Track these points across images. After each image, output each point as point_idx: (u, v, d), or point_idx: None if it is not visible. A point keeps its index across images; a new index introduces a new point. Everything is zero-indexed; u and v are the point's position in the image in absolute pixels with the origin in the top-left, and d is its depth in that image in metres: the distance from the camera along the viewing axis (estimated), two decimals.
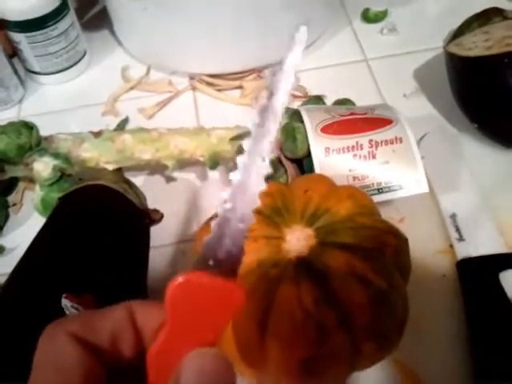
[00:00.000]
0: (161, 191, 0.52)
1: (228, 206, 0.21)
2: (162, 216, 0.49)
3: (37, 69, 0.62)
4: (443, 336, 0.41)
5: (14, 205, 0.53)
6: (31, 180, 0.53)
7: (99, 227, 0.41)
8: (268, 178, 0.22)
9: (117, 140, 0.47)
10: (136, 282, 0.40)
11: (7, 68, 0.59)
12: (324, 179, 0.38)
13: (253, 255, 0.34)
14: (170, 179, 0.53)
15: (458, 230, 0.46)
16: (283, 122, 0.47)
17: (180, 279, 0.20)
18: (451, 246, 0.45)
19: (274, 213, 0.36)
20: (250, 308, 0.32)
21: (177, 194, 0.52)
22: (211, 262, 0.21)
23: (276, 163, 0.45)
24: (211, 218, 0.38)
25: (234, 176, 0.21)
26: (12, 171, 0.49)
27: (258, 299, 0.32)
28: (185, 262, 0.47)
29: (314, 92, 0.59)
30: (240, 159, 0.22)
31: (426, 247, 0.45)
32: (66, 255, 0.38)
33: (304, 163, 0.44)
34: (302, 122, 0.44)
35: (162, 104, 0.60)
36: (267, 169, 0.22)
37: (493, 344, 0.39)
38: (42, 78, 0.63)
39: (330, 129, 0.43)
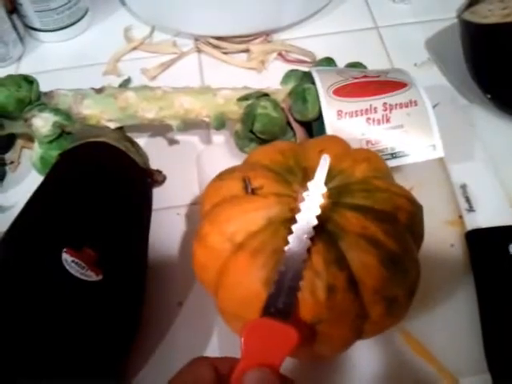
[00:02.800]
0: (163, 154, 0.51)
1: (283, 268, 0.30)
2: (164, 178, 0.48)
3: (37, 25, 0.60)
4: (451, 306, 0.40)
5: (12, 163, 0.51)
6: (30, 138, 0.51)
7: (100, 184, 0.39)
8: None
9: (119, 97, 0.46)
10: (137, 239, 0.39)
11: (6, 23, 0.57)
12: (339, 141, 0.37)
13: (263, 212, 0.32)
14: (172, 142, 0.52)
15: (467, 200, 0.45)
16: (293, 83, 0.45)
17: (252, 322, 0.28)
18: (460, 216, 0.44)
19: (285, 171, 0.34)
20: (256, 266, 0.31)
21: (179, 157, 0.51)
22: (272, 310, 0.29)
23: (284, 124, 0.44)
24: (214, 181, 0.37)
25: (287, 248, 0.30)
26: (10, 127, 0.47)
27: (266, 257, 0.31)
28: (186, 225, 0.46)
29: None
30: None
31: (435, 217, 0.44)
32: (66, 210, 0.37)
33: (314, 126, 0.43)
34: (313, 83, 0.43)
35: (166, 65, 0.58)
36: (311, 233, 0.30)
37: (502, 314, 0.38)
38: (42, 35, 0.61)
39: (342, 91, 0.41)
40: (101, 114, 0.46)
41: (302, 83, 0.44)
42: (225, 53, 0.58)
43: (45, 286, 0.32)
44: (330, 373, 0.38)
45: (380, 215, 0.31)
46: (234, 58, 0.58)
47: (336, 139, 0.38)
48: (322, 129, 0.42)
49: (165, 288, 0.42)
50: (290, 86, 0.45)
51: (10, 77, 0.45)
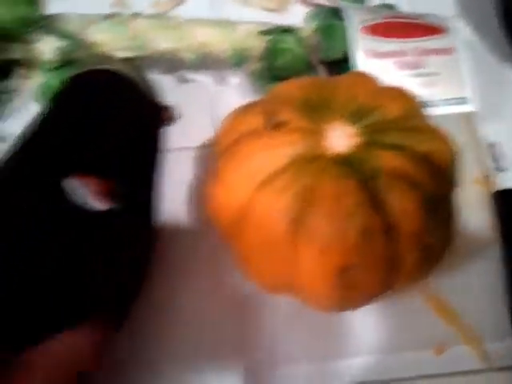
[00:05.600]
0: (173, 93, 0.47)
1: None
2: (174, 117, 0.45)
3: None
4: (476, 268, 0.38)
5: (10, 91, 0.48)
6: (30, 65, 0.47)
7: (108, 113, 0.36)
8: None
9: (131, 24, 0.42)
10: (145, 175, 0.36)
11: None
12: (369, 77, 0.34)
13: (286, 149, 0.29)
14: (184, 80, 0.48)
15: (496, 159, 0.42)
16: (319, 21, 0.42)
17: None
18: (488, 176, 0.42)
19: (312, 106, 0.31)
20: (282, 205, 0.28)
21: (191, 98, 0.47)
22: None
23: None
24: (232, 117, 0.34)
25: None
26: (10, 51, 0.44)
27: (290, 197, 0.28)
28: (198, 168, 0.43)
29: None
30: None
31: (461, 175, 0.42)
32: (70, 137, 0.34)
33: (341, 66, 0.40)
34: (341, 20, 0.39)
35: (178, 0, 0.54)
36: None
37: None
38: None
39: (373, 30, 0.38)
40: (109, 41, 0.43)
41: (329, 20, 0.40)
42: None
43: (46, 214, 0.29)
44: (346, 331, 0.36)
45: (418, 156, 0.29)
46: None
47: (366, 75, 0.35)
48: (346, 70, 0.38)
49: (174, 232, 0.40)
50: (315, 23, 0.42)
51: None
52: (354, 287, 0.29)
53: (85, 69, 0.40)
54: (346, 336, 0.35)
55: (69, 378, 0.25)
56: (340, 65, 0.39)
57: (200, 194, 0.41)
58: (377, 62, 0.38)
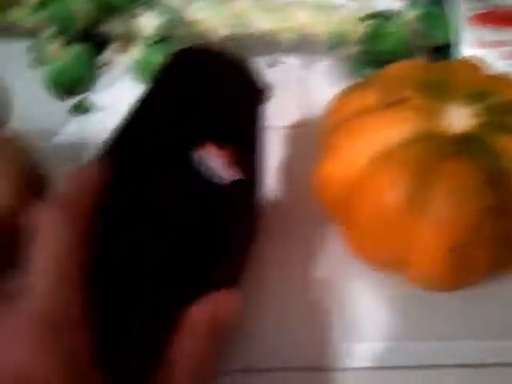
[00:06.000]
0: (265, 74, 0.48)
1: None
2: (269, 96, 0.45)
3: None
4: None
5: (105, 64, 0.49)
6: (128, 40, 0.49)
7: (212, 91, 0.37)
8: None
9: (234, 3, 0.43)
10: (250, 149, 0.37)
11: None
12: (480, 64, 0.34)
13: (406, 125, 0.30)
14: (275, 62, 0.49)
15: None
16: (420, 8, 0.42)
17: None
18: None
19: (428, 87, 0.32)
20: (402, 180, 0.29)
21: (281, 79, 0.48)
22: None
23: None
24: (345, 94, 0.35)
25: None
26: (111, 24, 0.45)
27: (409, 173, 0.29)
28: (288, 147, 0.44)
29: None
30: None
31: None
32: (178, 112, 0.34)
33: (442, 54, 0.40)
34: (443, 8, 0.40)
35: None
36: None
37: None
38: None
39: (482, 18, 0.38)
40: (211, 18, 0.44)
41: (431, 8, 0.41)
42: None
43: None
44: (437, 312, 0.36)
45: None
46: None
47: (476, 63, 0.35)
48: (448, 56, 0.39)
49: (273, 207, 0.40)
50: (417, 10, 0.42)
51: None
52: (467, 265, 0.29)
53: (185, 45, 0.41)
54: (449, 318, 0.35)
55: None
56: (441, 52, 0.40)
57: (292, 172, 0.42)
58: (481, 52, 0.38)
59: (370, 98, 0.32)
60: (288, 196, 0.41)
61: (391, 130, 0.30)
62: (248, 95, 0.40)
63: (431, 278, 0.31)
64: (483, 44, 0.38)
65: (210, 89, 0.38)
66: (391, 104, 0.31)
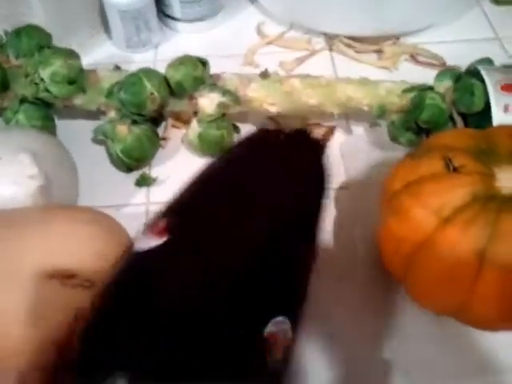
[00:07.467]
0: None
1: None
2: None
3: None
4: None
5: (163, 139, 0.54)
6: (179, 117, 0.54)
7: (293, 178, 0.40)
8: None
9: (285, 83, 0.49)
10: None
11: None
12: None
13: (468, 188, 0.35)
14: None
15: None
16: (449, 79, 0.48)
17: None
18: None
19: (480, 153, 0.37)
20: (469, 238, 0.33)
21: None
22: None
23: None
24: (407, 161, 0.39)
25: None
26: (174, 104, 0.50)
27: (478, 229, 0.33)
28: (335, 208, 0.49)
29: (449, 63, 0.60)
30: None
31: None
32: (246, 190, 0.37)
33: (474, 119, 0.46)
34: (479, 80, 0.45)
35: (301, 60, 0.61)
36: None
37: None
38: (180, 25, 0.64)
39: (510, 87, 0.44)
40: (265, 97, 0.49)
41: (467, 79, 0.46)
42: (356, 52, 0.61)
43: None
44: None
45: None
46: (366, 57, 0.61)
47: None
48: (485, 122, 0.44)
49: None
50: (446, 82, 0.47)
51: (188, 57, 0.48)
52: None
53: (255, 129, 0.45)
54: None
55: None
56: (480, 117, 0.45)
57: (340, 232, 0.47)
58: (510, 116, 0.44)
59: (434, 163, 0.37)
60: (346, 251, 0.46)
61: (457, 193, 0.35)
62: (320, 175, 0.43)
63: (489, 320, 0.35)
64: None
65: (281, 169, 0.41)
66: (454, 169, 0.36)
